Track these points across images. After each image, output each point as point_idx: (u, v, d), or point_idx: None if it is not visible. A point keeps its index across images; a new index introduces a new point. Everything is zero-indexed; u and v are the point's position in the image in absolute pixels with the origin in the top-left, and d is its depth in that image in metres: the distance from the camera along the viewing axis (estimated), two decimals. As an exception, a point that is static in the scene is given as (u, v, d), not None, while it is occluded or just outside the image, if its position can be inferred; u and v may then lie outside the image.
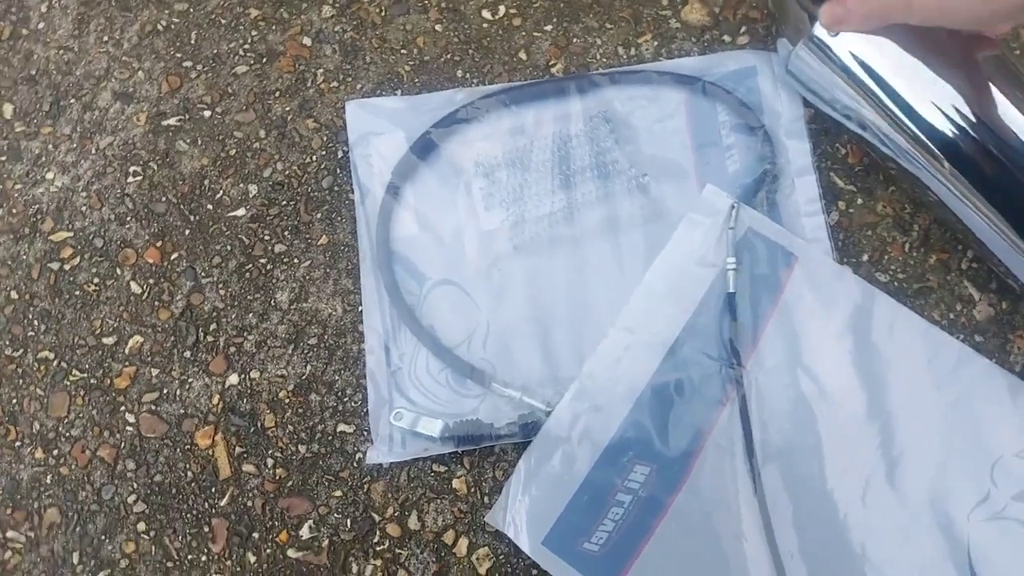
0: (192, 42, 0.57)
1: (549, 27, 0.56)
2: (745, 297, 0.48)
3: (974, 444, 0.45)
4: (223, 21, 0.57)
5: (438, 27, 0.56)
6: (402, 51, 0.56)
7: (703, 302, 0.48)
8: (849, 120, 0.48)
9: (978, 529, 0.44)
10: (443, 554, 0.47)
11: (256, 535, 0.48)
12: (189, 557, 0.48)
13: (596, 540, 0.44)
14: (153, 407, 0.50)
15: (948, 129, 0.43)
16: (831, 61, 0.46)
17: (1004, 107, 0.43)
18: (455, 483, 0.48)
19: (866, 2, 0.41)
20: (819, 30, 0.46)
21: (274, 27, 0.57)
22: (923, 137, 0.44)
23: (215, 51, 0.57)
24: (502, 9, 0.56)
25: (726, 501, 0.44)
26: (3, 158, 0.55)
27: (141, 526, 0.48)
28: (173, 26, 0.57)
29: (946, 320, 0.48)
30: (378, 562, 0.47)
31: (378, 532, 0.47)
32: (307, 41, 0.56)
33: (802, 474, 0.45)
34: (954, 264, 0.49)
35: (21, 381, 0.51)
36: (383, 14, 0.57)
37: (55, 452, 0.50)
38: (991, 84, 0.43)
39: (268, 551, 0.47)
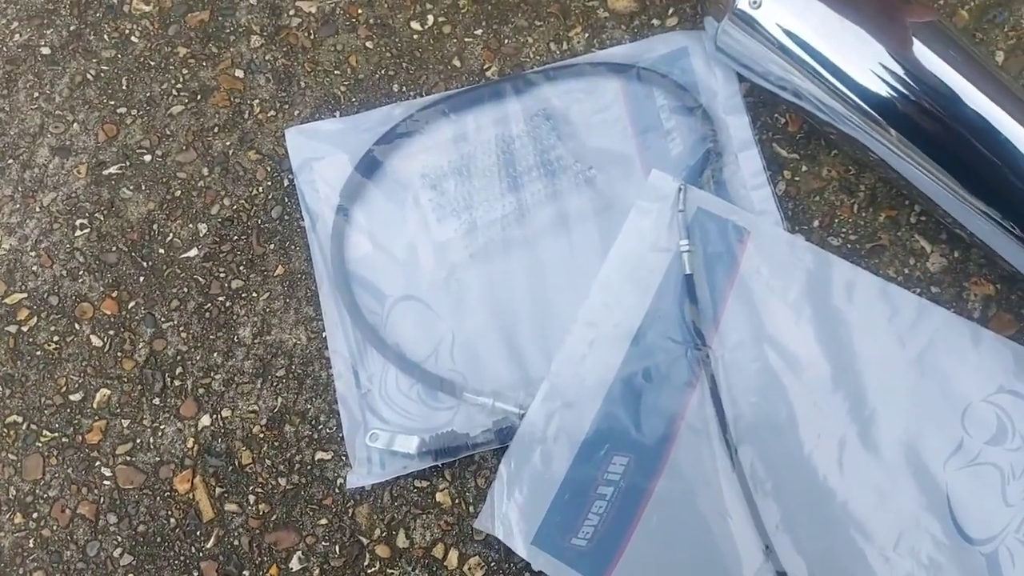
0: (124, 88, 0.56)
1: (479, 31, 0.56)
2: (702, 277, 0.48)
3: (943, 394, 0.45)
4: (152, 63, 0.57)
5: (369, 44, 0.56)
6: (335, 72, 0.56)
7: (661, 287, 0.48)
8: (784, 91, 0.48)
9: (955, 477, 0.44)
10: (435, 568, 0.47)
11: (247, 573, 0.48)
12: (182, 604, 0.47)
13: (584, 535, 0.44)
14: (128, 458, 0.50)
15: (882, 90, 0.44)
16: (758, 33, 0.46)
17: (934, 63, 0.43)
18: (438, 496, 0.48)
19: None
20: (742, 3, 0.46)
21: (204, 63, 0.56)
22: (858, 100, 0.45)
23: (148, 94, 0.56)
24: (431, 19, 0.56)
25: (706, 481, 0.45)
26: (-54, 227, 0.55)
27: (130, 579, 0.48)
28: (103, 74, 0.57)
29: (901, 276, 0.48)
30: (371, 585, 0.47)
31: (368, 555, 0.47)
32: (239, 73, 0.56)
33: (778, 446, 0.45)
34: (903, 219, 0.49)
35: (-8, 449, 0.51)
36: (312, 37, 0.56)
37: (35, 515, 0.50)
38: (918, 41, 0.44)
39: (260, 588, 0.47)
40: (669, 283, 0.48)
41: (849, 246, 0.49)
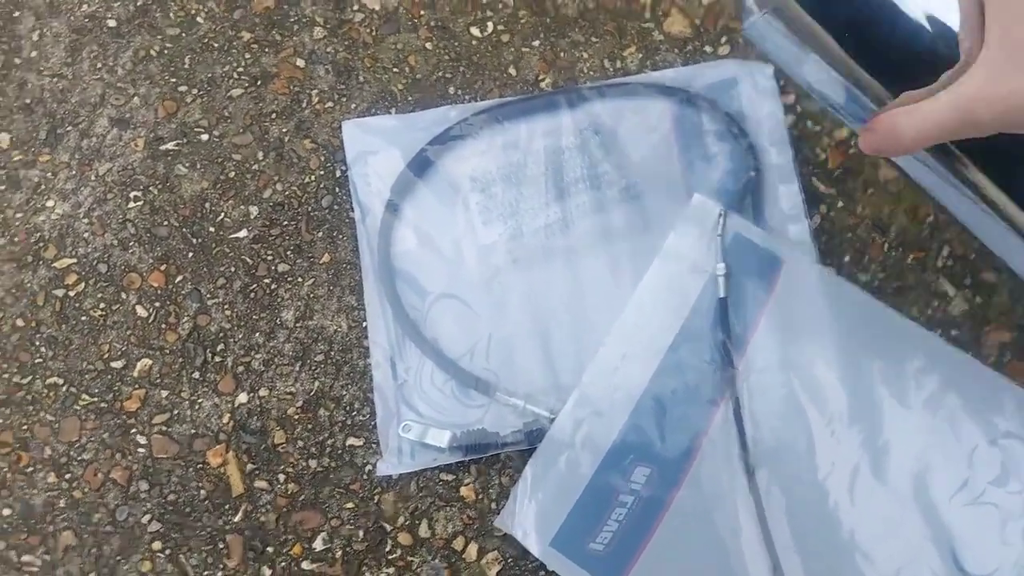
0: (186, 66, 0.58)
1: (537, 42, 0.57)
2: (736, 301, 0.50)
3: (953, 433, 0.48)
4: (216, 45, 0.58)
5: (428, 45, 0.58)
6: (394, 70, 0.57)
7: (695, 307, 0.50)
8: (822, 96, 0.48)
9: (959, 513, 0.46)
10: (453, 560, 0.48)
11: (271, 549, 0.49)
12: (205, 574, 0.49)
13: (601, 540, 0.46)
14: (164, 428, 0.52)
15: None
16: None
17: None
18: (463, 491, 0.49)
19: (916, 123, 0.32)
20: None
21: (267, 49, 0.58)
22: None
23: (209, 75, 0.57)
24: (490, 26, 0.58)
25: (723, 497, 0.47)
26: (2, 187, 0.56)
27: (156, 545, 0.50)
28: (166, 51, 0.58)
29: (924, 316, 0.50)
30: (391, 570, 0.48)
31: (390, 541, 0.49)
32: (300, 63, 0.57)
33: (794, 469, 0.47)
34: (930, 262, 0.51)
35: (31, 407, 0.52)
36: (374, 34, 0.58)
37: (68, 476, 0.51)
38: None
39: (283, 564, 0.49)
40: (703, 304, 0.50)
41: (877, 283, 0.51)
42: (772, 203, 0.52)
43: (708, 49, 0.56)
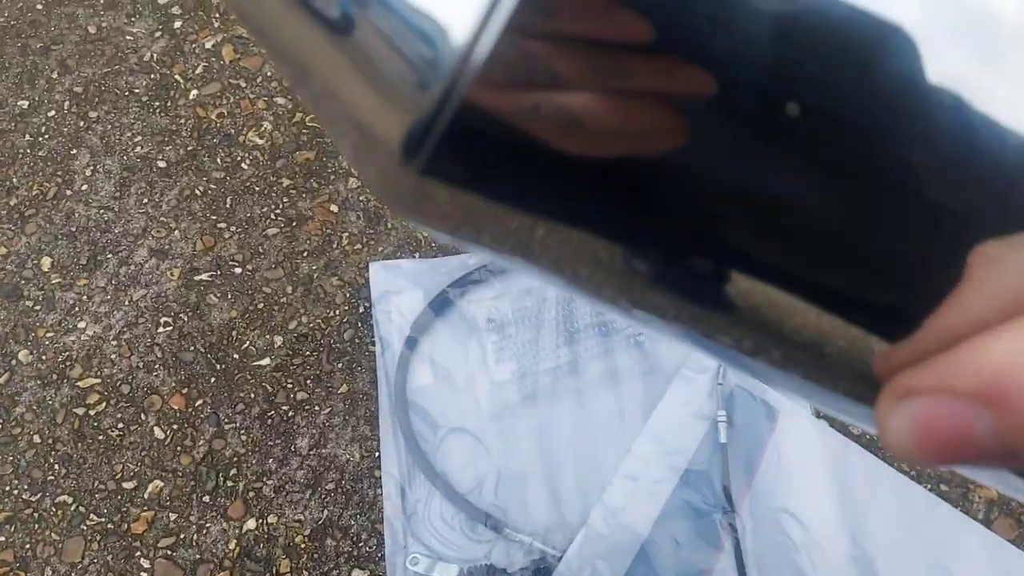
0: (227, 206, 0.63)
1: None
2: (736, 447, 0.52)
3: (947, 588, 0.49)
4: (257, 188, 0.63)
5: (451, 199, 0.63)
6: (419, 219, 0.62)
7: (698, 451, 0.52)
8: None
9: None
10: None
11: None
12: None
13: None
14: (169, 552, 0.52)
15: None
16: None
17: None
18: (468, 629, 0.49)
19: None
20: None
21: (304, 195, 0.63)
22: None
23: (248, 214, 0.62)
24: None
25: (728, 644, 0.47)
26: (38, 308, 0.59)
27: (148, 677, 0.48)
28: (210, 191, 0.63)
29: (914, 470, 0.53)
30: None
31: None
32: (334, 208, 0.63)
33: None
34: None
35: (36, 526, 0.52)
36: (403, 186, 0.64)
37: (63, 599, 0.50)
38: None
39: None
40: (705, 448, 0.52)
41: (869, 436, 0.54)
42: (768, 356, 0.56)
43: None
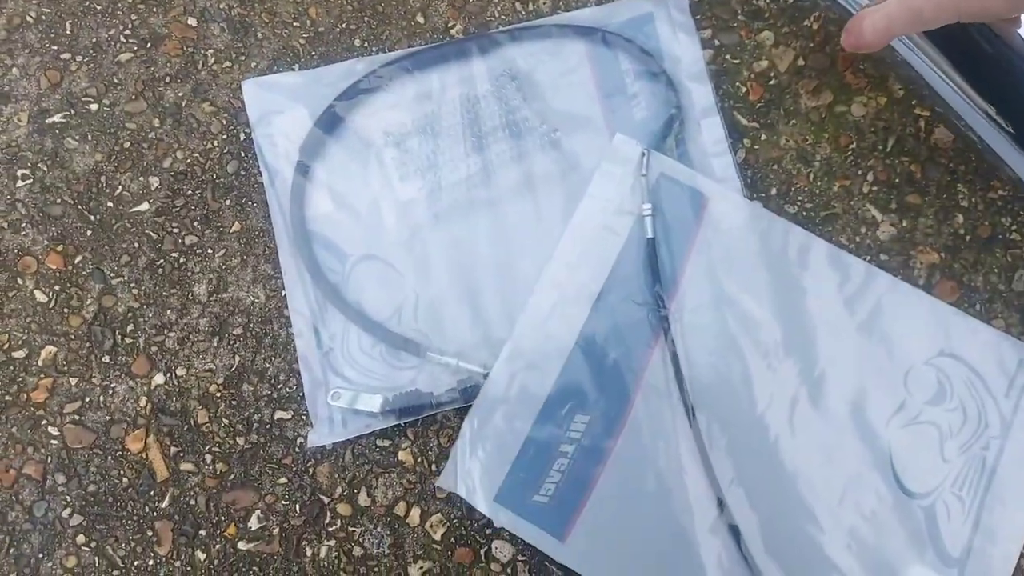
0: (68, 32, 0.54)
1: (444, -13, 0.55)
2: (663, 241, 0.49)
3: (888, 357, 0.48)
4: (98, 7, 0.54)
5: (330, -5, 0.55)
6: (294, 24, 0.54)
7: (624, 250, 0.49)
8: None
9: (897, 435, 0.47)
10: (396, 526, 0.47)
11: (203, 532, 0.47)
12: (135, 563, 0.46)
13: (545, 492, 0.45)
14: (76, 417, 0.49)
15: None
16: None
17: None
18: (401, 455, 0.48)
19: (876, 20, 0.42)
20: None
21: (155, 9, 0.54)
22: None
23: (94, 39, 0.53)
24: (394, -28, 0.55)
25: (664, 439, 0.46)
26: None
27: (80, 539, 0.47)
28: (44, 16, 0.54)
29: (853, 243, 0.50)
30: (332, 543, 0.47)
31: (329, 513, 0.47)
32: (192, 21, 0.54)
33: (733, 405, 0.47)
34: (856, 189, 0.51)
35: (-72, 408, 0.49)
36: (271, -14, 0.55)
37: (-24, 477, 0.48)
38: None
39: (218, 547, 0.47)
40: (632, 246, 0.49)
41: (804, 214, 0.51)
42: (695, 140, 0.51)
43: (622, -16, 0.55)
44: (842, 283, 0.49)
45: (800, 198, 0.51)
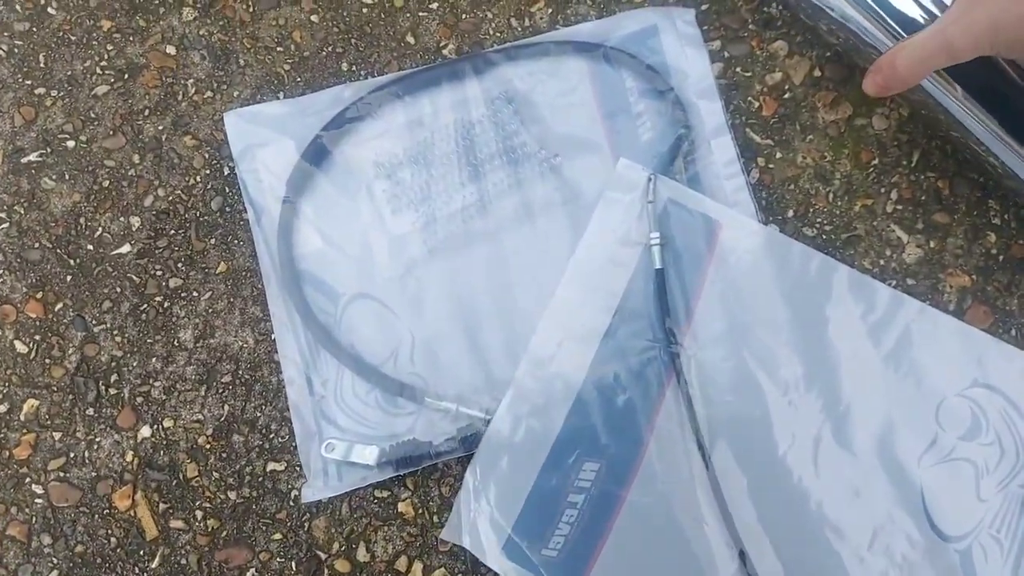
0: (41, 65, 0.51)
1: (434, 5, 0.52)
2: (674, 272, 0.46)
3: (917, 390, 0.44)
4: (72, 38, 0.51)
5: (314, 18, 0.52)
6: (278, 49, 0.51)
7: (631, 283, 0.46)
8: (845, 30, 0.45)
9: (929, 474, 0.43)
10: (398, 582, 0.44)
11: (196, 594, 0.45)
12: (127, 628, 0.44)
13: (554, 544, 0.42)
14: (61, 474, 0.46)
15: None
16: None
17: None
18: (401, 507, 0.45)
19: (908, 55, 0.38)
20: None
21: (131, 38, 0.51)
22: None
23: (69, 72, 0.51)
24: (382, -10, 0.52)
25: (681, 485, 0.43)
26: None
27: (69, 603, 0.45)
28: (16, 50, 0.51)
29: (877, 267, 0.47)
30: (330, 601, 0.44)
31: (326, 570, 0.45)
32: (171, 49, 0.51)
33: (752, 445, 0.44)
34: (879, 208, 0.48)
35: (-93, 468, 0.46)
36: (251, 10, 0.52)
37: (-40, 538, 0.46)
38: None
39: (211, 608, 0.44)
40: (639, 278, 0.46)
41: (824, 237, 0.47)
42: (705, 161, 0.47)
43: (623, -4, 0.51)
44: (866, 311, 0.45)
45: (819, 220, 0.48)
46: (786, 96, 0.49)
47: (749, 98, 0.49)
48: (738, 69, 0.50)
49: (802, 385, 0.44)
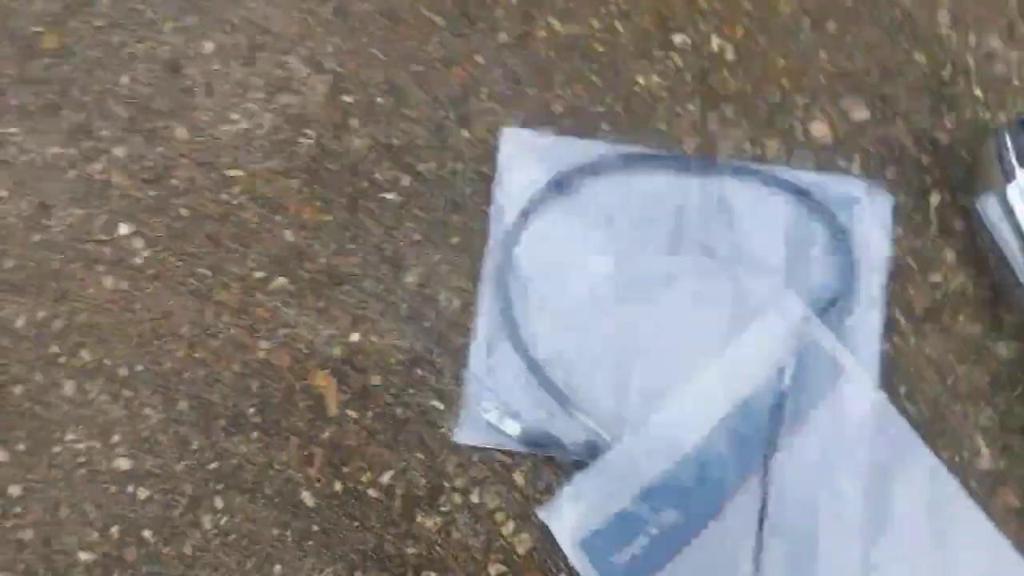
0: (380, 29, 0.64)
1: (691, 107, 0.63)
2: (793, 396, 0.56)
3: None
4: (411, 21, 0.64)
5: (596, 79, 0.63)
6: (558, 91, 0.63)
7: (757, 389, 0.57)
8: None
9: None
10: (491, 528, 0.57)
11: (346, 469, 0.58)
12: (289, 471, 0.58)
13: (621, 557, 0.54)
14: (286, 341, 0.60)
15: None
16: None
17: None
18: (515, 475, 0.58)
19: None
20: (1012, 192, 0.54)
21: (455, 38, 0.64)
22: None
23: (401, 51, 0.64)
24: (655, 79, 0.63)
25: (731, 558, 0.54)
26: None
27: (255, 435, 0.58)
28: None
29: (951, 461, 0.57)
30: (439, 519, 0.57)
31: (444, 496, 0.57)
32: (480, 59, 0.63)
33: (799, 554, 0.54)
34: (974, 418, 0.57)
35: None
36: (552, 55, 0.64)
37: (199, 351, 0.60)
38: None
39: (352, 485, 0.58)
40: (765, 390, 0.56)
41: (922, 420, 0.57)
42: (854, 321, 0.58)
43: (841, 162, 0.62)
44: (933, 496, 0.55)
45: (923, 405, 0.58)
46: (937, 296, 0.59)
47: (908, 286, 0.59)
48: (909, 259, 0.60)
49: (855, 530, 0.55)
